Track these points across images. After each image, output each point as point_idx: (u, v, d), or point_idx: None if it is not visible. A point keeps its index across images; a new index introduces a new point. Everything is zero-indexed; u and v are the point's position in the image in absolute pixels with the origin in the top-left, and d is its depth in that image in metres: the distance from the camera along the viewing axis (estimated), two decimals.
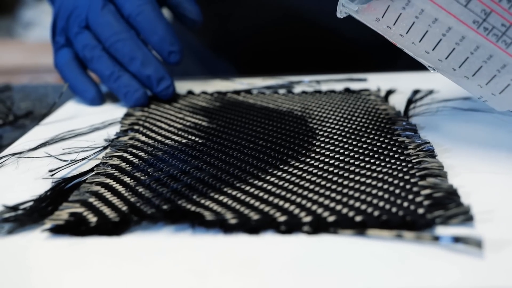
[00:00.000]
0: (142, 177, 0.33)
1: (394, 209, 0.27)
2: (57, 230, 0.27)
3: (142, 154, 0.36)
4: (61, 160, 0.36)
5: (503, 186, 0.30)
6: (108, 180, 0.32)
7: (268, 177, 0.32)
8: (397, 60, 0.68)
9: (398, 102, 0.46)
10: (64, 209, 0.29)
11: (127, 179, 0.33)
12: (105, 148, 0.38)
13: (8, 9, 1.85)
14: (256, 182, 0.31)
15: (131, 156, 0.36)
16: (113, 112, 0.47)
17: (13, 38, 1.76)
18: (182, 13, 0.52)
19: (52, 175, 0.33)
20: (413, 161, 0.33)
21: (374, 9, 0.33)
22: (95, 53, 0.48)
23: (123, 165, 0.35)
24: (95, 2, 0.48)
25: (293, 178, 0.32)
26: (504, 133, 0.38)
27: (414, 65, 0.67)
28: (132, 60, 0.47)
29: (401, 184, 0.30)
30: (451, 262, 0.23)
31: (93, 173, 0.33)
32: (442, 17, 0.31)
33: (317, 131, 0.39)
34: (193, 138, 0.39)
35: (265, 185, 0.31)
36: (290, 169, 0.33)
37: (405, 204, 0.28)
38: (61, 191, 0.31)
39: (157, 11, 0.48)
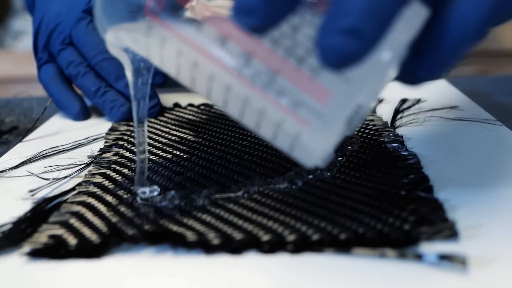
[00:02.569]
0: (125, 196, 0.32)
1: (379, 226, 0.27)
2: (36, 254, 0.26)
3: (126, 171, 0.36)
4: (42, 178, 0.35)
5: (489, 200, 0.30)
6: (89, 199, 0.32)
7: (252, 194, 0.31)
8: None
9: (385, 112, 0.46)
10: (43, 231, 0.28)
11: (109, 198, 0.32)
12: (88, 165, 0.37)
13: None
14: (238, 199, 0.31)
15: (114, 174, 0.35)
16: (98, 127, 0.46)
17: (3, 48, 1.75)
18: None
19: (32, 195, 0.33)
20: (399, 174, 0.33)
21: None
22: (81, 70, 0.47)
23: (106, 183, 0.34)
24: (79, 18, 0.47)
25: (276, 195, 0.31)
26: (491, 143, 0.37)
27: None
28: (118, 79, 0.47)
29: (387, 198, 0.30)
30: (436, 280, 0.23)
31: (75, 192, 0.33)
32: (202, 61, 0.25)
33: None
34: (177, 153, 0.39)
35: (247, 202, 0.30)
36: (274, 185, 0.32)
37: (391, 220, 0.27)
38: (41, 212, 0.30)
39: None
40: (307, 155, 0.25)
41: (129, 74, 0.30)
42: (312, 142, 0.24)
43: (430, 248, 0.25)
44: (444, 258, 0.24)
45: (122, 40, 0.28)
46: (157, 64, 0.28)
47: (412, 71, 0.24)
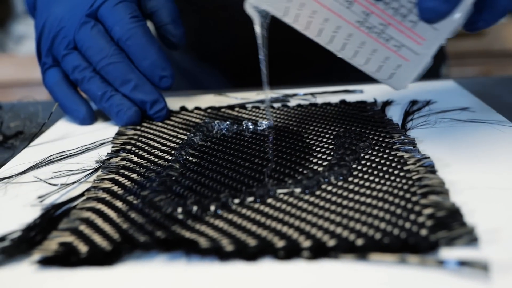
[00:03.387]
0: (135, 201, 0.32)
1: (396, 231, 0.26)
2: (46, 262, 0.26)
3: (135, 176, 0.35)
4: (50, 184, 0.35)
5: (508, 202, 0.29)
6: (99, 205, 0.31)
7: (265, 198, 0.31)
8: None
9: (395, 113, 0.45)
10: (53, 238, 0.28)
11: (119, 204, 0.32)
12: (96, 170, 0.37)
13: None
14: (252, 204, 0.30)
15: (123, 179, 0.35)
16: (105, 131, 0.46)
17: (5, 52, 1.75)
18: (164, 35, 0.51)
19: (41, 201, 0.32)
20: (413, 177, 0.32)
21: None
22: (86, 74, 0.47)
23: (115, 188, 0.34)
24: (82, 23, 0.47)
25: (290, 199, 0.31)
26: (505, 145, 0.37)
27: None
28: (124, 83, 0.46)
29: (402, 203, 0.29)
30: (458, 287, 0.23)
31: (84, 198, 0.32)
32: (332, 17, 0.37)
33: (313, 147, 0.38)
34: (186, 157, 0.38)
35: (262, 207, 0.30)
36: (287, 189, 0.32)
37: (407, 225, 0.27)
38: (50, 218, 0.30)
39: (148, 35, 0.47)
40: (401, 81, 0.39)
41: (258, 28, 0.40)
42: (408, 71, 0.38)
43: (449, 254, 0.25)
44: (465, 264, 0.23)
45: (260, 4, 0.38)
46: (290, 22, 0.38)
47: (474, 22, 0.36)
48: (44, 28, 0.48)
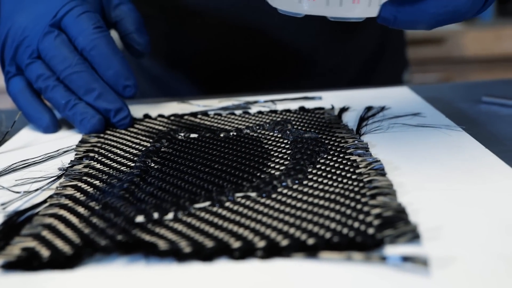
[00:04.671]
0: (96, 207, 0.33)
1: (345, 230, 0.28)
2: (10, 266, 0.27)
3: (97, 182, 0.36)
4: (13, 192, 0.35)
5: (450, 203, 0.31)
6: (61, 212, 0.32)
7: (223, 202, 0.32)
8: (351, 78, 0.70)
9: (351, 119, 0.47)
10: (16, 244, 0.29)
11: (81, 210, 0.32)
12: (59, 177, 0.37)
13: None
14: (210, 207, 0.32)
15: (86, 185, 0.36)
16: (68, 139, 0.46)
17: None
18: (130, 44, 0.52)
19: (3, 208, 0.33)
20: (364, 180, 0.34)
21: None
22: (50, 83, 0.47)
23: (77, 195, 0.35)
24: (46, 32, 0.48)
25: (247, 202, 0.32)
26: (450, 148, 0.39)
27: (365, 82, 0.69)
28: (88, 92, 0.47)
29: (352, 204, 0.31)
30: (399, 281, 0.24)
31: (46, 204, 0.33)
32: None
33: (271, 153, 0.40)
34: (148, 163, 0.39)
35: (219, 210, 0.31)
36: (244, 193, 0.33)
37: (356, 224, 0.28)
38: (13, 225, 0.31)
39: (111, 45, 0.48)
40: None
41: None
42: None
43: (394, 251, 0.26)
44: (407, 259, 0.25)
45: None
46: None
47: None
48: (7, 37, 0.49)
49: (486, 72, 1.70)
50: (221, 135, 0.44)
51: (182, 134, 0.45)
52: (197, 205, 0.32)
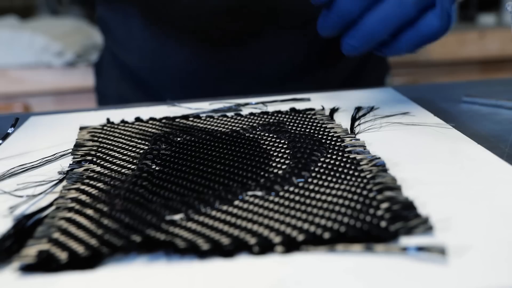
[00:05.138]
0: (105, 208, 0.32)
1: (358, 224, 0.29)
2: (28, 269, 0.27)
3: (101, 184, 0.36)
4: (16, 196, 0.35)
5: (453, 195, 0.32)
6: (70, 214, 0.32)
7: (232, 201, 0.33)
8: (338, 84, 0.71)
9: (342, 119, 0.48)
10: (31, 246, 0.28)
11: (89, 211, 0.32)
12: (61, 181, 0.37)
13: None
14: (221, 206, 0.32)
15: (90, 188, 0.36)
16: (63, 146, 0.45)
17: None
18: None
19: (11, 212, 0.32)
20: (367, 176, 0.35)
21: None
22: None
23: (83, 197, 0.34)
24: None
25: (256, 200, 0.32)
26: (446, 144, 0.40)
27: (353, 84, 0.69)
28: None
29: (361, 199, 0.31)
30: (419, 271, 0.25)
31: (53, 207, 0.33)
32: None
33: (271, 152, 0.40)
34: (150, 164, 0.39)
35: (230, 209, 0.32)
36: (252, 192, 0.34)
37: (368, 218, 0.29)
38: (23, 228, 0.30)
39: None
40: None
41: None
42: None
43: (409, 242, 0.27)
44: (425, 249, 0.26)
45: None
46: None
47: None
48: None
49: (451, 75, 1.74)
50: (218, 135, 0.45)
51: (180, 137, 0.45)
52: (207, 205, 0.32)
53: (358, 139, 0.42)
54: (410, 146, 0.40)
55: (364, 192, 0.32)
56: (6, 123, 0.47)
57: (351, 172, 0.36)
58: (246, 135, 0.45)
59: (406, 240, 0.27)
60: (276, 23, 0.66)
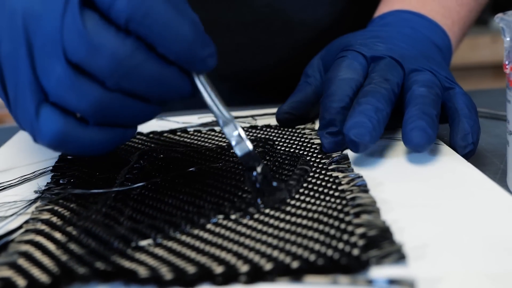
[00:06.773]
0: (74, 232, 0.32)
1: (329, 252, 0.27)
2: None
3: (74, 206, 0.35)
4: None
5: (434, 219, 0.31)
6: (38, 238, 0.31)
7: (204, 224, 0.32)
8: None
9: None
10: None
11: (58, 235, 0.31)
12: (35, 201, 0.36)
13: None
14: (191, 230, 0.31)
15: (63, 209, 0.35)
16: (45, 163, 0.45)
17: None
18: None
19: None
20: (347, 197, 0.33)
21: None
22: None
23: (54, 219, 0.34)
24: None
25: (229, 224, 0.31)
26: (432, 161, 0.39)
27: None
28: None
29: (336, 223, 0.30)
30: None
31: (22, 230, 0.32)
32: None
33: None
34: (129, 184, 0.38)
35: (201, 233, 0.31)
36: (227, 214, 0.33)
37: (340, 245, 0.28)
38: None
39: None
40: None
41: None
42: None
43: (380, 272, 0.26)
44: (393, 282, 0.25)
45: None
46: None
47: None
48: None
49: (463, 80, 1.72)
50: (202, 151, 0.44)
51: (163, 153, 0.44)
52: (177, 230, 0.31)
53: (346, 155, 0.40)
54: (397, 165, 0.39)
55: (341, 216, 0.31)
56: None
57: (331, 192, 0.34)
58: (231, 151, 0.44)
59: (376, 270, 0.26)
60: (292, 36, 0.66)
